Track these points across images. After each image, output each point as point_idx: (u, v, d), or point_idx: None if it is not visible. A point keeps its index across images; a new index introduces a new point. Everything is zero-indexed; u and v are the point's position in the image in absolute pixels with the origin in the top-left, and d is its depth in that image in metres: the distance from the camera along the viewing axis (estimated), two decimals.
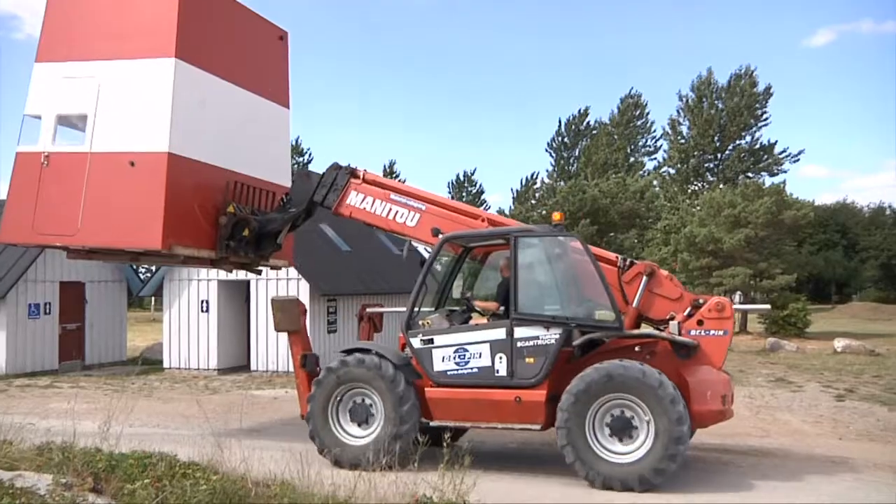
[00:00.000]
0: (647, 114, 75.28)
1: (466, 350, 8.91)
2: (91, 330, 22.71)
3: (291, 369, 19.37)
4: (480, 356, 8.82)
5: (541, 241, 9.17)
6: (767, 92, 61.65)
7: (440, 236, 9.46)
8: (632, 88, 79.82)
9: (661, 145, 72.73)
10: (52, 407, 14.39)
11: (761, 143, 62.41)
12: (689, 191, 60.75)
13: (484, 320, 9.52)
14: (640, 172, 68.34)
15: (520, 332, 8.69)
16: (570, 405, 8.28)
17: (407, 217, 10.05)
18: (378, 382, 9.04)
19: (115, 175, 9.69)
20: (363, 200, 10.32)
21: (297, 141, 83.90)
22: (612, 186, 56.51)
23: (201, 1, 10.20)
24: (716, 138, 62.51)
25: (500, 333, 8.79)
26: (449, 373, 8.98)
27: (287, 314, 10.18)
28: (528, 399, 8.59)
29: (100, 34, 10.09)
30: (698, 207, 45.73)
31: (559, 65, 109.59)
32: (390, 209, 10.16)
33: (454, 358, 8.95)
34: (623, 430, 8.24)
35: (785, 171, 61.29)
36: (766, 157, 61.91)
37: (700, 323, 8.65)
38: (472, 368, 8.86)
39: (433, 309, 10.06)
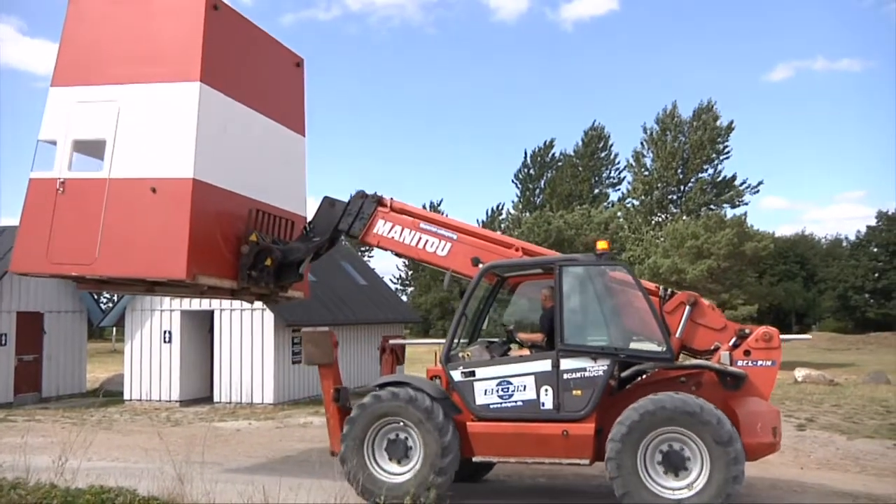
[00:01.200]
0: (611, 146, 76.42)
1: (510, 383, 8.58)
2: (49, 361, 22.22)
3: (256, 401, 19.45)
4: (525, 389, 8.50)
5: (586, 271, 8.82)
6: (729, 126, 62.90)
7: (481, 266, 9.15)
8: (595, 121, 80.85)
9: (625, 177, 73.69)
10: (5, 441, 14.00)
11: (723, 175, 63.53)
12: (653, 222, 61.50)
13: (524, 352, 9.18)
14: (605, 204, 69.18)
15: (566, 363, 8.39)
16: (623, 436, 7.91)
17: (438, 246, 9.77)
18: (417, 417, 8.62)
19: (135, 202, 9.35)
20: (391, 229, 10.03)
21: None
22: (577, 218, 57.14)
23: (225, 24, 9.90)
24: (679, 171, 63.48)
25: (545, 365, 8.48)
26: (492, 406, 8.63)
27: (319, 346, 9.83)
28: (576, 433, 8.28)
29: (119, 58, 9.80)
30: (662, 239, 46.37)
31: (525, 96, 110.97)
32: (420, 238, 9.87)
33: (497, 391, 8.62)
34: (676, 464, 7.88)
35: (746, 203, 62.41)
36: (727, 189, 62.98)
37: (747, 353, 8.42)
38: (516, 402, 8.53)
39: (467, 340, 9.77)
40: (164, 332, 20.54)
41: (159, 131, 9.48)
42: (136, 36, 9.86)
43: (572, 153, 76.89)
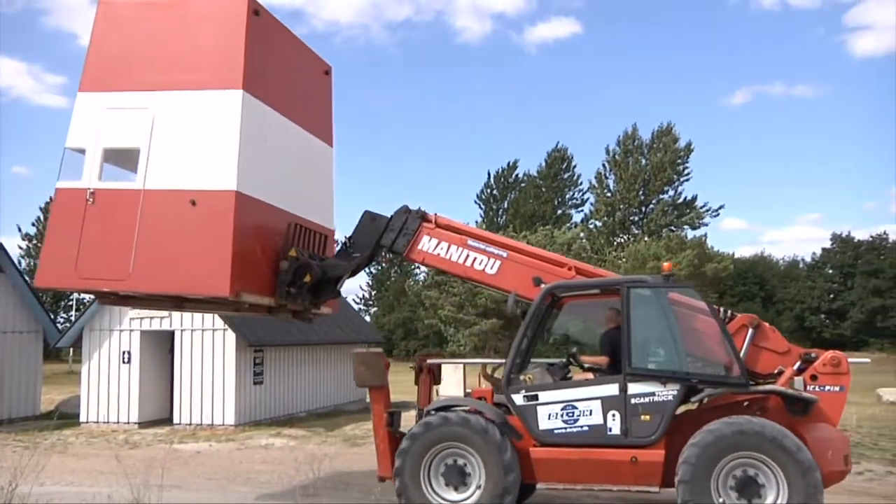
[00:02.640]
0: (575, 167, 77.28)
1: (575, 407, 8.29)
2: (1, 383, 21.67)
3: (216, 422, 19.17)
4: (591, 413, 8.22)
5: (654, 293, 8.54)
6: (688, 147, 64.05)
7: (543, 286, 8.86)
8: (559, 142, 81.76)
9: (587, 198, 74.58)
10: None
11: (684, 197, 64.58)
12: (616, 243, 62.25)
13: (588, 375, 8.89)
14: (568, 225, 69.76)
15: (634, 387, 8.12)
16: (697, 458, 7.66)
17: (486, 264, 9.40)
18: (479, 442, 8.30)
19: (173, 215, 8.83)
20: (437, 246, 9.64)
21: None
22: (540, 238, 57.38)
23: (264, 31, 9.50)
24: (640, 192, 64.39)
25: (612, 389, 8.20)
26: (556, 431, 8.32)
27: (371, 368, 9.42)
28: (646, 459, 8.01)
29: (153, 63, 9.32)
30: (624, 259, 46.83)
31: (488, 118, 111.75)
32: (468, 256, 9.50)
33: (562, 415, 8.32)
34: (750, 490, 7.61)
35: (706, 225, 63.42)
36: (688, 210, 64.03)
37: (814, 378, 8.18)
38: (581, 427, 8.24)
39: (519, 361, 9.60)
40: (123, 352, 20.16)
41: (198, 141, 9.00)
42: (170, 41, 9.41)
43: (535, 174, 77.62)
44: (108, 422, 19.98)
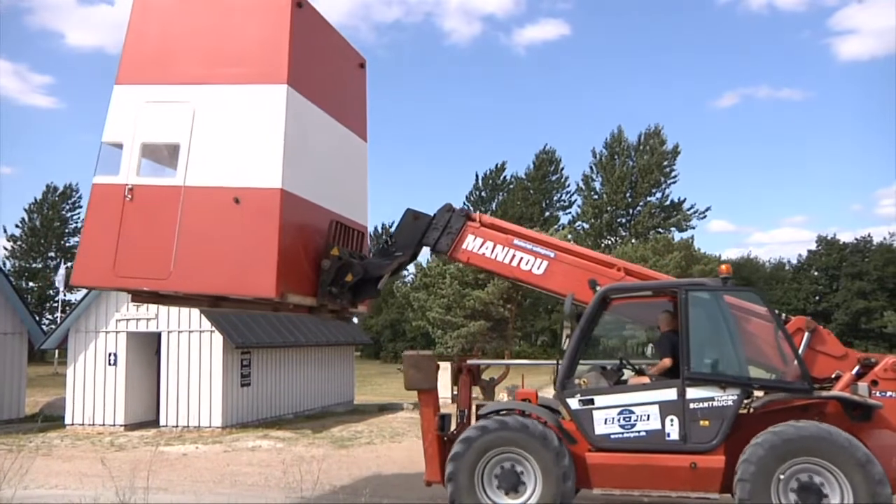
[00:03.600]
0: (562, 169, 77.46)
1: (632, 412, 8.15)
2: None
3: (203, 424, 19.08)
4: (649, 418, 8.09)
5: (713, 296, 8.42)
6: (675, 149, 64.31)
7: (598, 289, 8.69)
8: (547, 144, 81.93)
9: (575, 200, 74.78)
10: None
11: (671, 199, 64.85)
12: (603, 245, 62.42)
13: (644, 379, 8.74)
14: (555, 227, 69.96)
15: (692, 392, 8.00)
16: (759, 458, 7.56)
17: (533, 265, 9.23)
18: (536, 448, 8.18)
19: (215, 212, 8.57)
20: (482, 245, 9.47)
21: None
22: None
23: (307, 23, 9.24)
24: (627, 194, 64.60)
25: (670, 394, 8.08)
26: (612, 436, 8.19)
27: (421, 371, 9.29)
28: (705, 465, 7.90)
29: (193, 56, 9.07)
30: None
31: (477, 119, 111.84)
32: (514, 255, 9.32)
33: (618, 420, 8.18)
34: (811, 496, 7.48)
35: (693, 227, 63.69)
36: (675, 213, 64.28)
37: (874, 383, 8.01)
38: (639, 432, 8.11)
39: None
40: (110, 354, 20.04)
41: (241, 136, 8.74)
42: (211, 33, 9.14)
43: (524, 176, 77.76)
44: (93, 424, 19.85)
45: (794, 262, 78.99)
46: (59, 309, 59.36)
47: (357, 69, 11.01)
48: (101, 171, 8.95)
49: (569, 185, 76.37)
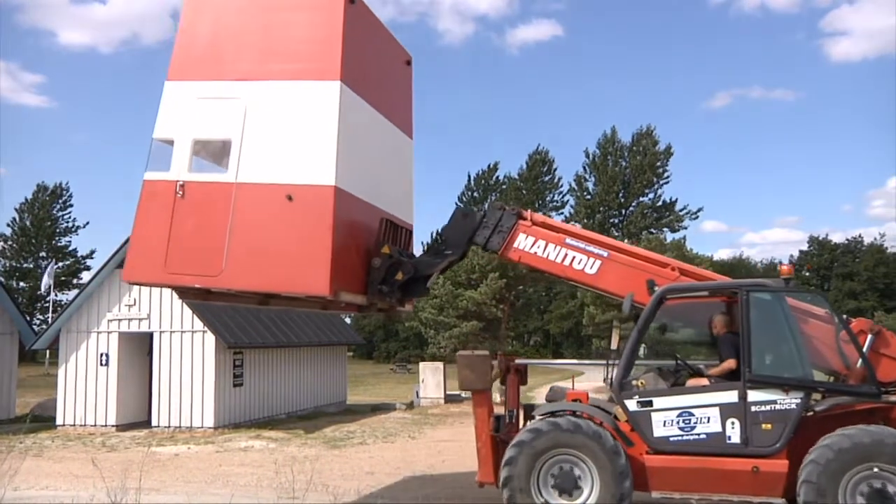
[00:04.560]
0: (555, 170, 77.53)
1: (692, 414, 8.02)
2: None
3: (195, 424, 19.01)
4: (709, 421, 7.95)
5: (775, 297, 8.23)
6: (668, 150, 64.46)
7: (656, 289, 8.52)
8: (539, 144, 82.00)
9: (567, 200, 74.83)
10: None
11: (664, 199, 64.99)
12: None
13: (703, 380, 8.52)
14: None
15: (754, 395, 7.84)
16: (828, 461, 7.37)
17: (586, 264, 9.09)
18: (592, 448, 8.02)
19: (267, 209, 8.49)
20: (534, 244, 9.31)
21: None
22: None
23: (358, 19, 9.15)
24: (620, 195, 64.71)
25: (730, 397, 7.92)
26: (672, 439, 8.05)
27: (476, 371, 9.09)
28: (768, 469, 7.75)
29: (244, 52, 9.00)
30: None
31: (469, 119, 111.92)
32: (566, 255, 9.16)
33: (678, 422, 8.05)
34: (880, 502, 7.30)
35: (685, 228, 63.84)
36: (667, 213, 64.41)
37: None
38: (699, 434, 7.96)
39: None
40: (101, 354, 19.97)
41: (294, 133, 8.65)
42: (262, 29, 9.07)
43: (516, 176, 77.81)
44: (84, 425, 19.78)
45: (787, 262, 79.32)
46: (51, 309, 59.06)
47: (403, 66, 10.93)
48: (151, 167, 8.86)
49: (562, 186, 76.53)
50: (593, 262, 9.08)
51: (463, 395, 27.60)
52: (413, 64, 11.12)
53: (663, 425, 8.11)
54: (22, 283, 73.82)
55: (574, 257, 9.16)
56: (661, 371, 8.80)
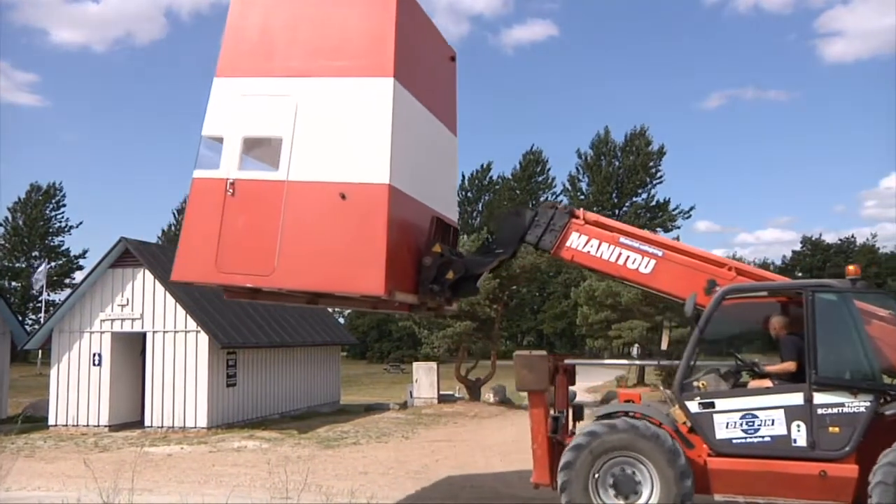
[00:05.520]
0: (549, 170, 77.67)
1: (756, 416, 7.88)
2: None
3: (189, 425, 18.97)
4: (773, 424, 7.81)
5: (842, 298, 8.07)
6: (661, 150, 64.61)
7: (718, 289, 8.38)
8: (533, 144, 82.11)
9: (561, 201, 74.78)
10: None
11: (657, 199, 65.15)
12: None
13: (766, 382, 8.36)
14: None
15: (820, 398, 7.67)
16: None
17: (640, 263, 8.94)
18: (650, 449, 7.89)
19: (320, 208, 8.38)
20: (587, 243, 9.18)
21: None
22: None
23: (409, 15, 9.04)
24: (613, 195, 64.86)
25: (796, 399, 7.77)
26: (735, 441, 7.91)
27: (533, 372, 8.90)
28: (837, 474, 7.55)
29: (295, 48, 8.89)
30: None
31: (463, 119, 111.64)
32: (620, 254, 9.02)
33: (741, 425, 7.91)
34: None
35: (678, 227, 64.02)
36: (661, 213, 64.55)
37: None
38: (763, 437, 7.82)
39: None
40: (94, 354, 19.91)
41: (346, 131, 8.52)
42: (312, 25, 8.95)
43: (510, 176, 77.86)
44: (77, 425, 19.72)
45: (779, 262, 79.64)
46: (43, 309, 58.86)
47: (448, 61, 10.79)
48: (200, 164, 8.75)
49: (555, 186, 76.70)
50: (648, 262, 8.94)
51: (456, 394, 27.63)
52: (457, 59, 10.96)
53: (726, 427, 7.97)
54: (14, 283, 73.55)
55: (628, 256, 9.00)
56: (721, 372, 8.60)
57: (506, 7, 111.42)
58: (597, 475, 8.04)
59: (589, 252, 9.16)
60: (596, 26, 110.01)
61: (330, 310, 28.50)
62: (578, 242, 9.22)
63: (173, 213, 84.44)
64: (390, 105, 8.31)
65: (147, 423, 19.43)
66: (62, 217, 77.81)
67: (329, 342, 26.17)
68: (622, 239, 9.10)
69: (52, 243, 76.57)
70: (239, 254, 8.42)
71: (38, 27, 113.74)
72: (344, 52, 8.61)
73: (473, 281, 9.43)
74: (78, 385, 19.91)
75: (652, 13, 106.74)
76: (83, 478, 10.99)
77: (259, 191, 8.55)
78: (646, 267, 8.93)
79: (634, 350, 37.20)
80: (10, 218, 75.97)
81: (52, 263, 71.94)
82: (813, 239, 76.28)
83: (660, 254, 8.93)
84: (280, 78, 8.72)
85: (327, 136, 8.53)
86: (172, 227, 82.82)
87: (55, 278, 70.87)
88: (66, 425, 19.76)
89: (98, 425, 19.56)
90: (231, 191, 8.53)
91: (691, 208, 67.18)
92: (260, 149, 8.99)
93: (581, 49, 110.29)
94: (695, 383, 8.26)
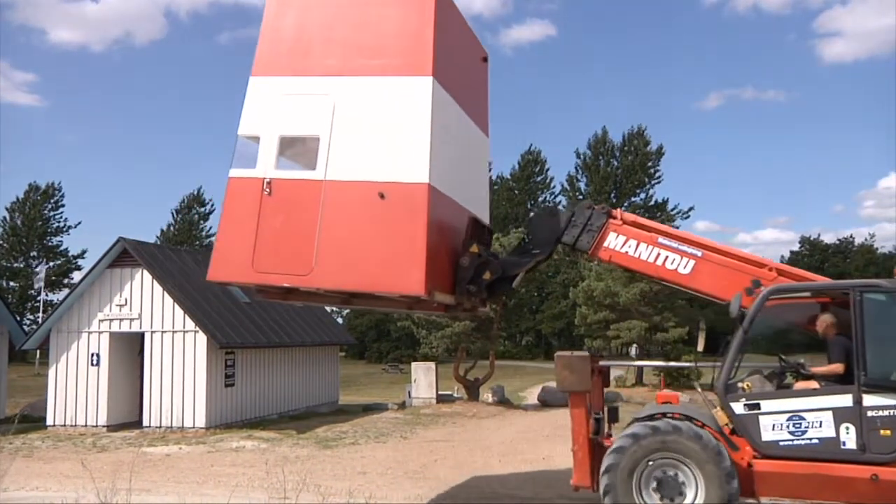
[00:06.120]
0: (547, 170, 77.68)
1: (803, 418, 7.76)
2: None
3: (187, 425, 18.96)
4: (821, 426, 7.69)
5: (891, 298, 7.92)
6: (660, 150, 64.67)
7: (762, 290, 8.27)
8: (532, 145, 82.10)
9: (560, 201, 74.87)
10: None
11: (655, 199, 65.17)
12: None
13: (811, 383, 8.21)
14: None
15: (870, 400, 7.54)
16: None
17: (679, 264, 8.86)
18: (693, 450, 7.79)
19: (358, 207, 8.31)
20: (625, 244, 9.10)
21: (199, 191, 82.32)
22: (513, 240, 57.57)
23: (446, 14, 8.97)
24: (612, 195, 64.85)
25: (844, 401, 7.64)
26: (781, 444, 7.79)
27: (575, 372, 8.79)
28: (890, 477, 7.42)
29: (332, 47, 8.84)
30: (595, 262, 47.00)
31: None
32: (658, 254, 8.95)
33: (788, 427, 7.80)
34: None
35: (677, 227, 64.03)
36: (659, 213, 64.57)
37: None
38: (810, 439, 7.70)
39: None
40: (92, 354, 19.89)
41: (385, 130, 8.47)
42: (350, 24, 8.91)
43: (509, 176, 77.84)
44: (75, 425, 19.70)
45: (777, 262, 79.65)
46: (41, 309, 58.80)
47: (480, 62, 10.73)
48: (237, 164, 8.71)
49: (554, 186, 76.74)
50: (687, 262, 8.86)
51: (454, 395, 27.62)
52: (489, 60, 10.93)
53: (772, 429, 7.86)
54: (12, 283, 73.47)
55: (667, 257, 8.93)
56: (769, 374, 8.52)
57: (504, 7, 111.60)
58: (640, 478, 7.94)
59: (627, 252, 9.09)
60: (594, 26, 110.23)
61: (328, 310, 28.47)
62: (616, 243, 9.14)
63: (172, 213, 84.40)
64: (429, 104, 8.27)
65: (145, 423, 19.41)
66: (60, 217, 77.80)
67: (327, 342, 26.16)
68: (661, 239, 9.03)
69: (50, 243, 76.50)
70: (276, 254, 8.37)
71: (37, 27, 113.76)
72: (382, 50, 8.58)
73: (509, 282, 9.35)
74: (76, 385, 19.89)
75: (650, 13, 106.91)
76: (81, 478, 10.98)
77: (296, 190, 8.49)
78: (685, 267, 8.87)
79: (633, 350, 37.22)
80: (8, 218, 75.91)
81: (51, 263, 71.87)
82: (811, 239, 76.38)
83: (699, 254, 8.86)
84: (317, 77, 8.68)
85: (366, 135, 8.48)
86: (171, 227, 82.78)
87: (53, 278, 70.78)
88: (65, 425, 19.74)
89: (96, 425, 19.55)
90: (268, 190, 8.49)
91: (690, 208, 67.42)
92: (293, 149, 8.93)
93: (579, 49, 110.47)
94: (739, 384, 8.14)
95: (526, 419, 22.13)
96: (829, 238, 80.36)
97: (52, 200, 77.44)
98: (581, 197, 67.43)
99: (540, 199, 77.31)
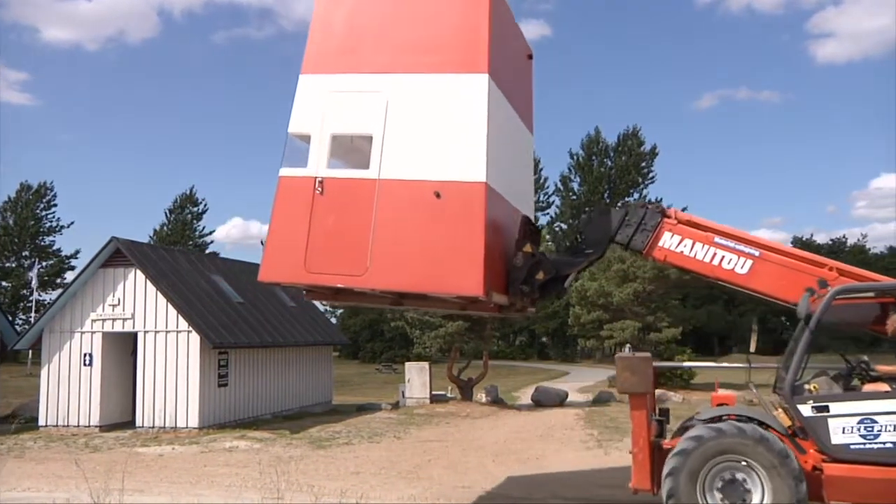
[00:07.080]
0: (541, 170, 77.57)
1: (875, 421, 7.54)
2: None
3: (180, 425, 18.92)
4: (894, 429, 7.51)
5: None
6: (653, 151, 64.78)
7: (830, 289, 8.07)
8: None
9: (553, 201, 74.98)
10: None
11: (649, 199, 65.10)
12: None
13: (882, 385, 8.00)
14: None
15: None
16: None
17: (736, 264, 8.70)
18: (758, 452, 7.60)
19: (413, 207, 8.13)
20: (680, 243, 8.95)
21: (192, 191, 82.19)
22: None
23: (498, 11, 8.82)
24: (606, 195, 64.92)
25: None
26: (852, 447, 7.57)
27: (637, 374, 8.65)
28: None
29: (384, 44, 8.68)
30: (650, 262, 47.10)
31: None
32: (715, 254, 8.81)
33: (859, 430, 7.59)
34: None
35: None
36: None
37: None
38: (884, 444, 7.48)
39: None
40: (85, 354, 19.84)
41: (439, 128, 8.30)
42: (402, 20, 8.77)
43: None
44: (67, 425, 19.64)
45: None
46: (33, 308, 58.56)
47: (526, 60, 10.61)
48: (287, 163, 8.57)
49: (547, 186, 76.62)
50: (744, 262, 8.70)
51: (448, 395, 27.63)
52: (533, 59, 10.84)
53: (842, 432, 7.65)
54: (4, 283, 73.15)
55: (724, 257, 8.78)
56: (836, 375, 8.30)
57: None
58: (703, 481, 7.78)
59: (682, 252, 8.96)
60: (589, 26, 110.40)
61: (322, 309, 28.47)
62: (671, 242, 9.01)
63: (165, 213, 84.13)
64: (485, 102, 8.13)
65: (138, 423, 19.37)
66: (53, 217, 77.39)
67: (321, 342, 26.14)
68: (717, 239, 8.88)
69: (42, 243, 76.12)
70: (329, 254, 8.22)
71: (29, 25, 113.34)
72: (436, 47, 8.43)
73: (561, 282, 9.22)
74: (69, 385, 19.83)
75: (644, 13, 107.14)
76: (73, 478, 10.95)
77: (349, 189, 8.34)
78: (742, 267, 8.72)
79: (626, 350, 37.31)
80: (1, 217, 75.54)
81: (43, 263, 71.56)
82: (804, 239, 76.56)
83: (756, 254, 8.71)
84: (369, 74, 8.53)
85: (420, 133, 8.33)
86: (164, 227, 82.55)
87: (46, 278, 70.50)
88: (57, 426, 19.68)
89: (89, 426, 19.50)
90: (320, 189, 8.34)
91: (683, 208, 67.34)
92: (342, 148, 8.80)
93: (574, 49, 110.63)
94: (805, 386, 7.97)
95: (519, 419, 22.14)
96: (821, 238, 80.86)
97: (44, 200, 77.07)
98: (574, 197, 67.55)
99: (535, 198, 77.35)
